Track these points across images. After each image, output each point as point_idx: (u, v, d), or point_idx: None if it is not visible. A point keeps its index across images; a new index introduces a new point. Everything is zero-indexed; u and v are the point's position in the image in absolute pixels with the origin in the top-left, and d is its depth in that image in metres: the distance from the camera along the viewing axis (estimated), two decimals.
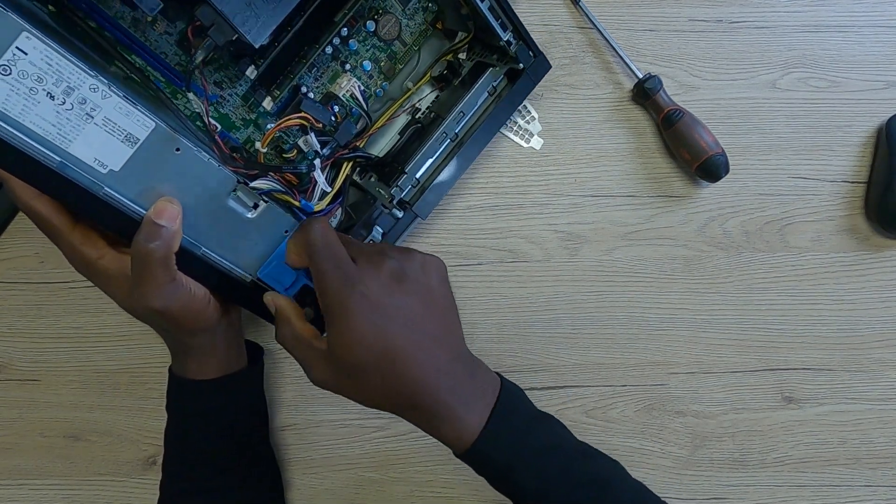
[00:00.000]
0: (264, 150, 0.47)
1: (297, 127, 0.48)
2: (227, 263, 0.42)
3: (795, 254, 0.59)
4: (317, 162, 0.45)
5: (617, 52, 0.57)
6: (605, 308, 0.58)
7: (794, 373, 0.59)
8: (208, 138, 0.43)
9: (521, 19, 0.59)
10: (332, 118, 0.48)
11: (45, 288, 0.58)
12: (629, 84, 0.59)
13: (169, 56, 0.44)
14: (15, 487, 0.57)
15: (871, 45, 0.60)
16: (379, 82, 0.53)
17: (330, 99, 0.50)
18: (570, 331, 0.58)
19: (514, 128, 0.58)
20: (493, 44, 0.49)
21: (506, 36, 0.47)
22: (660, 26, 0.59)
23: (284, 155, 0.50)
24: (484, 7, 0.46)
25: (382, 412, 0.58)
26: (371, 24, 0.51)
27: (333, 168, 0.50)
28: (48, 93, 0.33)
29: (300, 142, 0.48)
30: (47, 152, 0.34)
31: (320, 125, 0.47)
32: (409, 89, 0.54)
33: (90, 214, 0.37)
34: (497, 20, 0.47)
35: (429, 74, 0.54)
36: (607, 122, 0.59)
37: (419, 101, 0.56)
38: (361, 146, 0.51)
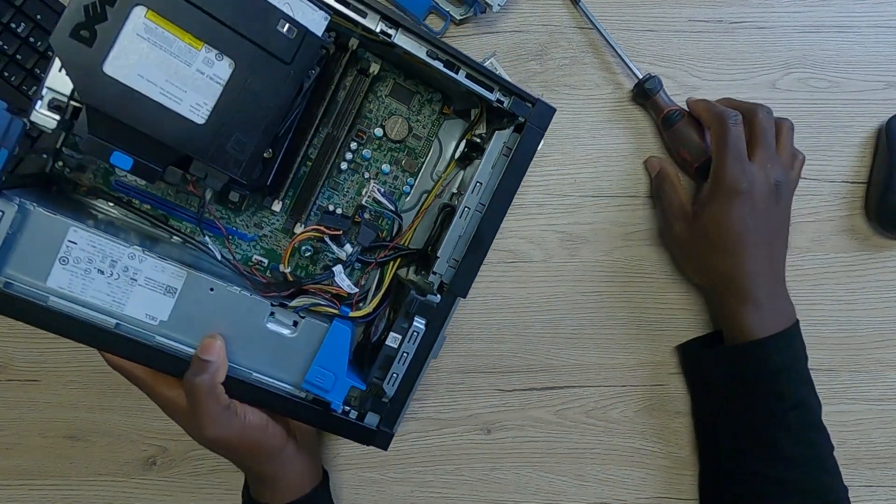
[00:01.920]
0: (288, 270, 0.48)
1: (317, 239, 0.50)
2: (279, 383, 0.44)
3: (795, 254, 0.59)
4: (336, 269, 0.46)
5: (617, 53, 0.57)
6: (605, 308, 0.58)
7: None
8: (235, 272, 0.46)
9: (522, 20, 0.59)
10: (348, 222, 0.49)
11: None
12: (629, 84, 0.59)
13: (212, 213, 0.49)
14: (15, 487, 0.57)
15: (871, 45, 0.60)
16: (404, 179, 0.53)
17: (360, 209, 0.50)
18: (570, 331, 0.58)
19: None
20: (500, 108, 0.48)
21: (494, 95, 0.46)
22: (660, 26, 0.59)
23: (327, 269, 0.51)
24: (461, 77, 0.45)
25: None
26: (379, 131, 0.52)
27: (377, 268, 0.51)
28: (98, 269, 0.41)
29: (337, 252, 0.49)
30: (105, 318, 0.41)
31: (339, 231, 0.48)
32: (440, 177, 0.54)
33: (146, 361, 0.42)
34: (478, 85, 0.46)
35: (453, 162, 0.53)
36: (607, 122, 0.59)
37: (451, 184, 0.54)
38: (406, 243, 0.51)
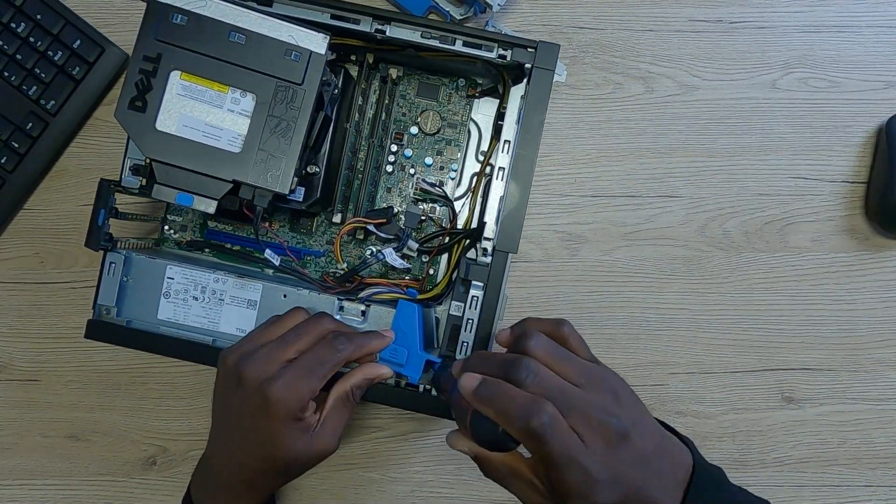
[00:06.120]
0: (344, 266, 0.54)
1: (362, 230, 0.54)
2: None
3: (795, 254, 0.59)
4: (387, 250, 0.50)
5: None
6: (605, 308, 0.58)
7: (794, 373, 0.59)
8: (297, 276, 0.52)
9: (521, 20, 0.59)
10: (391, 211, 0.54)
11: (45, 288, 0.58)
12: (629, 84, 0.59)
13: (289, 241, 0.55)
14: (15, 487, 0.57)
15: (871, 45, 0.60)
16: (449, 167, 0.55)
17: (418, 202, 0.55)
18: None
19: None
20: (506, 64, 0.49)
21: (495, 52, 0.47)
22: (660, 26, 0.59)
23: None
24: (459, 47, 0.47)
25: (382, 413, 0.58)
26: (414, 128, 0.55)
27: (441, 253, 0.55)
28: (193, 296, 0.48)
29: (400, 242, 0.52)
30: (204, 337, 0.48)
31: (383, 221, 0.52)
32: (485, 155, 0.55)
33: None
34: (477, 48, 0.47)
35: (492, 140, 0.55)
36: (607, 122, 0.59)
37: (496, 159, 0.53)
38: (467, 226, 0.54)
